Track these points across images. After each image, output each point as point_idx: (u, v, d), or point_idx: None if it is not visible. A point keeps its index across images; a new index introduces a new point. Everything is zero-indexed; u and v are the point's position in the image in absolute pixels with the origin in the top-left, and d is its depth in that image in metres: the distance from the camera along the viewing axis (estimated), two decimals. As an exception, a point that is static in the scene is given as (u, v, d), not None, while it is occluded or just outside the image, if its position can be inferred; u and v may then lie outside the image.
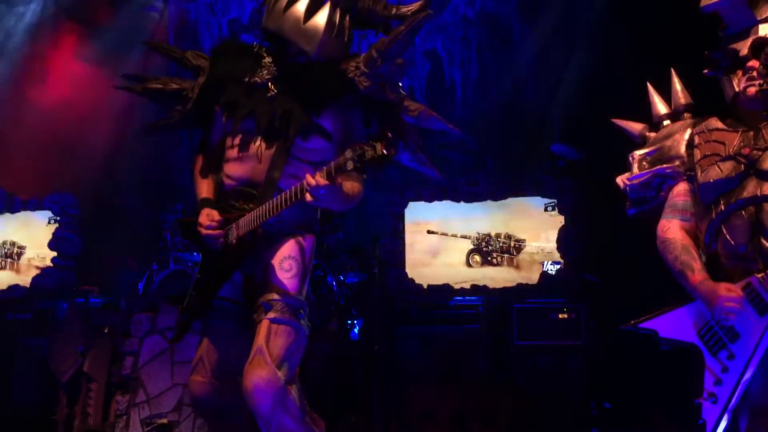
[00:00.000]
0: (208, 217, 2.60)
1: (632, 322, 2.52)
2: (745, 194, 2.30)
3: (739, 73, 2.39)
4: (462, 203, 5.97)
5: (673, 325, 2.43)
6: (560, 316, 4.96)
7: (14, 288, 5.69)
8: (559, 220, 5.71)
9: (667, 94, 2.73)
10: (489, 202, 5.93)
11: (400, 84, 2.70)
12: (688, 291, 2.41)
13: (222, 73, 2.74)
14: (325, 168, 2.34)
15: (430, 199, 6.03)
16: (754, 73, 2.32)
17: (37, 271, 5.87)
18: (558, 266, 5.62)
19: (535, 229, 5.80)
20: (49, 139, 6.17)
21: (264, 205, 2.50)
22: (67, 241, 5.87)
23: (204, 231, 2.59)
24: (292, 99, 2.61)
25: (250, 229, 2.53)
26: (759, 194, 2.27)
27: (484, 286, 5.64)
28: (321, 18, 2.58)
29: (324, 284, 5.39)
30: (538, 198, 5.81)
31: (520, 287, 5.58)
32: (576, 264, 5.50)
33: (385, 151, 2.22)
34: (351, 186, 2.55)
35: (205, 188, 2.74)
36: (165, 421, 4.34)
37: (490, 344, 5.12)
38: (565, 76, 5.97)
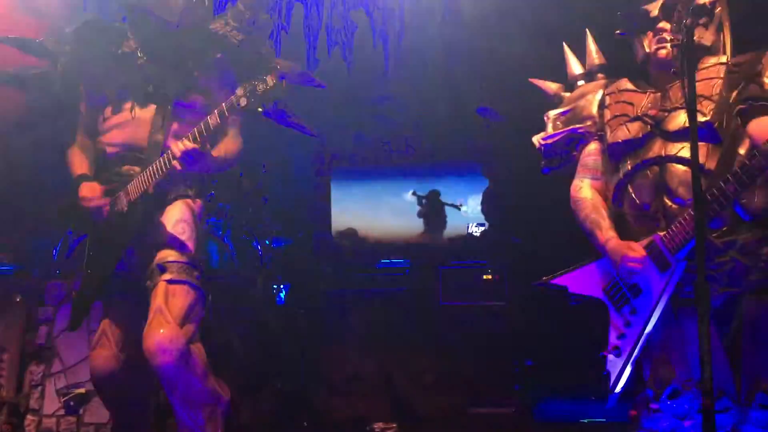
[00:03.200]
0: (90, 189, 2.52)
1: (544, 278, 2.58)
2: (651, 154, 2.36)
3: (650, 34, 2.42)
4: (389, 166, 5.96)
5: (582, 281, 2.50)
6: (485, 277, 5.04)
7: None
8: (484, 182, 5.78)
9: (583, 56, 2.76)
10: (415, 165, 5.94)
11: (270, 40, 2.85)
12: (597, 249, 2.47)
13: (86, 50, 2.75)
14: (192, 131, 2.39)
15: (356, 162, 6.01)
16: (665, 35, 2.36)
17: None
18: (483, 228, 5.70)
19: (461, 191, 5.86)
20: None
21: (146, 171, 2.49)
22: (-26, 206, 5.57)
23: (88, 204, 2.51)
24: (163, 63, 2.64)
25: (141, 191, 2.50)
26: (663, 154, 2.33)
27: (411, 249, 5.67)
28: None
29: (249, 249, 5.32)
30: (464, 160, 5.86)
31: (446, 249, 5.64)
32: (500, 225, 5.59)
33: (275, 80, 2.29)
34: (225, 148, 2.61)
35: (78, 165, 2.71)
36: (83, 391, 4.22)
37: (416, 306, 5.17)
38: (490, 38, 5.97)
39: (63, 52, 2.80)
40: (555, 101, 2.76)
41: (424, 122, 6.15)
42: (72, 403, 4.17)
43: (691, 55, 1.94)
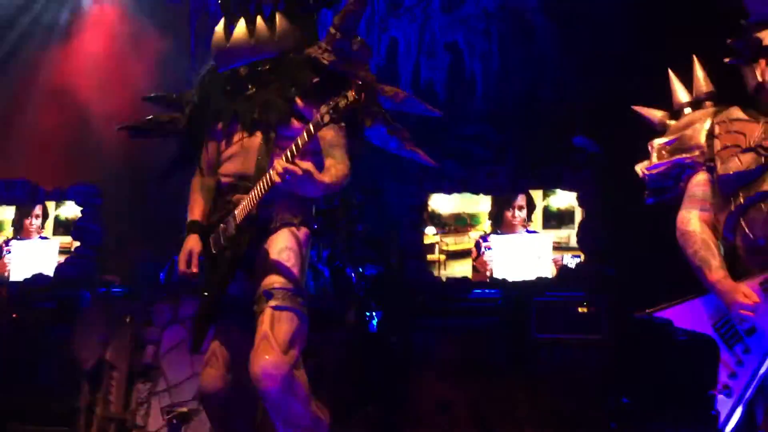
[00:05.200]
0: (186, 259, 2.66)
1: (647, 310, 2.50)
2: (765, 187, 2.27)
3: (762, 62, 2.35)
4: (482, 195, 5.95)
5: (689, 315, 2.41)
6: (580, 309, 4.92)
7: (39, 277, 5.77)
8: (580, 213, 5.67)
9: (689, 83, 2.69)
10: (509, 193, 5.90)
11: (368, 65, 2.82)
12: (705, 286, 2.39)
13: (206, 92, 2.88)
14: (289, 147, 2.43)
15: (449, 191, 6.03)
16: None
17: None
18: (578, 259, 5.58)
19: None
20: (73, 129, 6.26)
21: (250, 194, 2.56)
22: (90, 231, 5.94)
23: (182, 271, 2.66)
24: (269, 91, 2.73)
25: (245, 213, 2.58)
26: None
27: (503, 279, 5.62)
28: (263, 26, 2.75)
29: (343, 276, 5.41)
30: (558, 191, 5.78)
31: (540, 280, 5.54)
32: (596, 257, 5.45)
33: (356, 95, 2.30)
34: (334, 172, 2.61)
35: (197, 208, 2.82)
36: (185, 410, 4.38)
37: (508, 337, 5.09)
38: (587, 68, 5.92)
39: (190, 99, 2.96)
40: (659, 130, 2.69)
41: (518, 151, 6.12)
42: (175, 421, 4.34)
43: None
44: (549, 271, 5.61)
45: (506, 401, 4.67)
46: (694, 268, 2.40)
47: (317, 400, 2.66)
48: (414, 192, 6.02)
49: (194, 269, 2.65)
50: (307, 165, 2.44)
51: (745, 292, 2.22)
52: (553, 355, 4.88)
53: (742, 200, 2.31)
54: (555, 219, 5.77)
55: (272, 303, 2.53)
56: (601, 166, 5.51)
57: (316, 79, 2.73)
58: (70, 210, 6.21)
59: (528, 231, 5.77)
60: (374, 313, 5.33)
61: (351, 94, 2.31)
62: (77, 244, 6.00)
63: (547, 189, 5.80)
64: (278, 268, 2.58)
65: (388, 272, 5.61)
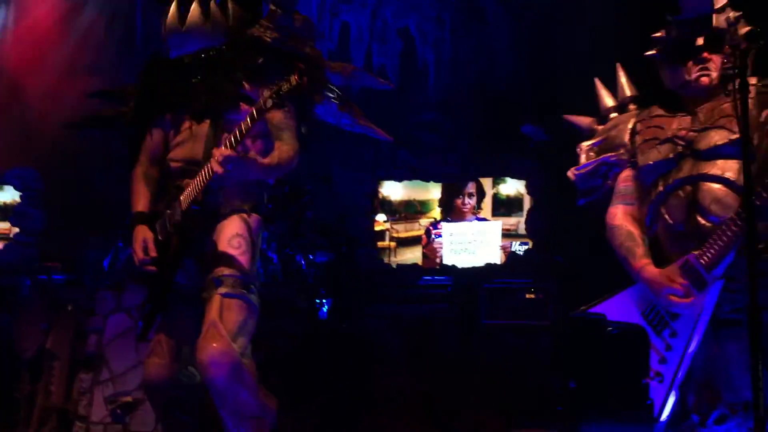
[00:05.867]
0: (143, 246, 2.60)
1: (582, 308, 2.56)
2: (682, 174, 2.35)
3: (690, 63, 2.40)
4: (432, 183, 5.98)
5: (620, 307, 2.48)
6: (528, 296, 4.99)
7: (-26, 264, 5.59)
8: (528, 200, 5.75)
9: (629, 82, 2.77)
10: (459, 181, 5.95)
11: (313, 41, 2.81)
12: (632, 276, 2.45)
13: (150, 83, 2.83)
14: (228, 136, 2.40)
15: (400, 179, 6.04)
16: (708, 64, 2.36)
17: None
18: (526, 246, 5.66)
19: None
20: (11, 113, 6.05)
21: (194, 181, 2.52)
22: (30, 217, 5.77)
23: (139, 260, 2.60)
24: (215, 77, 2.69)
25: (190, 199, 2.54)
26: (695, 173, 2.32)
27: (453, 266, 5.66)
28: (217, 10, 2.72)
29: (293, 263, 5.38)
30: (508, 179, 5.85)
31: (489, 267, 5.61)
32: (544, 245, 5.54)
33: (299, 80, 2.28)
34: (278, 154, 2.59)
35: (142, 199, 2.75)
36: (129, 399, 4.31)
37: (458, 324, 5.14)
38: (537, 58, 5.98)
39: (135, 92, 2.90)
40: (588, 135, 2.79)
41: (469, 139, 6.16)
42: (119, 411, 4.26)
43: (744, 78, 1.95)
44: (498, 258, 5.68)
45: (457, 387, 4.71)
46: (620, 260, 2.48)
47: (265, 388, 2.64)
48: (365, 179, 6.03)
49: (153, 253, 2.59)
50: (252, 152, 2.42)
51: (670, 276, 2.27)
52: (502, 340, 4.93)
53: (661, 188, 2.40)
54: (504, 206, 5.85)
55: (221, 290, 2.50)
56: (549, 155, 5.58)
57: (260, 60, 2.71)
58: (9, 195, 6.07)
59: (477, 218, 5.82)
60: (324, 301, 5.31)
61: (294, 78, 2.30)
62: (16, 230, 5.85)
63: (497, 177, 5.87)
64: (228, 256, 2.56)
65: (339, 259, 5.60)
